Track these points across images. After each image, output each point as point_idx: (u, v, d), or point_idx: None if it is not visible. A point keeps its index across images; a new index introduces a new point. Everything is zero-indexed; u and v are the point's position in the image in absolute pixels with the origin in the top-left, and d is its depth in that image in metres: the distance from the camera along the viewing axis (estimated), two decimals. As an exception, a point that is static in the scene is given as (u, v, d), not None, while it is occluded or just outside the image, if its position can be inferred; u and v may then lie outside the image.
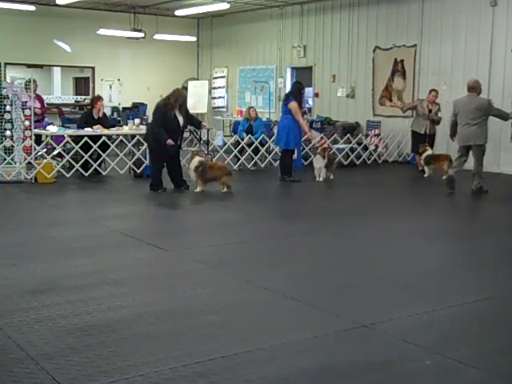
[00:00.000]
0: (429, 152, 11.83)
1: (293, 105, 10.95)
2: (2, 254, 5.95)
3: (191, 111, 10.59)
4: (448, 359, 3.70)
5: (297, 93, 11.33)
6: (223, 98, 19.57)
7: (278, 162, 11.92)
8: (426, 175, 11.78)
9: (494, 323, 4.41)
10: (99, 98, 12.14)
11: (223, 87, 19.52)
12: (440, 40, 13.60)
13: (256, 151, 12.81)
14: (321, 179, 11.17)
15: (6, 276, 5.26)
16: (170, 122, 9.75)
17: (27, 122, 10.62)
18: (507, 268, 5.92)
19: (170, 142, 9.63)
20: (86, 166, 11.29)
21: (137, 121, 12.46)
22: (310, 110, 16.41)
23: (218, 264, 5.77)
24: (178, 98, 9.91)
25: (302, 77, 16.45)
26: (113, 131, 12.11)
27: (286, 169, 11.26)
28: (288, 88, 16.91)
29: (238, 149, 12.78)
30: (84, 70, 19.61)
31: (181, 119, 9.91)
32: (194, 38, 19.43)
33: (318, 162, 11.21)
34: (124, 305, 4.57)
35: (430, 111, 12.31)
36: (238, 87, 18.99)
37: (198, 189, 9.81)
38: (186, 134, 11.50)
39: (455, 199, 9.99)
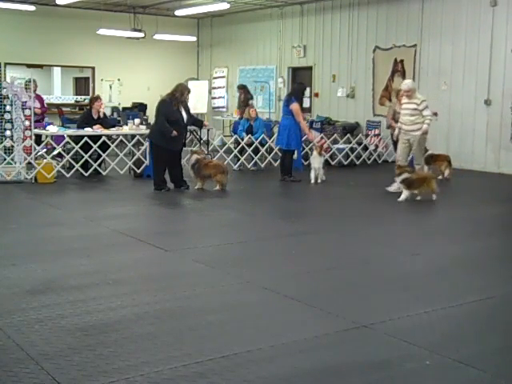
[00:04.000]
0: (428, 152, 11.78)
1: (295, 106, 10.90)
2: (2, 254, 5.95)
3: (191, 111, 10.59)
4: (448, 359, 3.70)
5: (299, 94, 11.30)
6: (223, 97, 19.57)
7: (278, 161, 11.92)
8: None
9: (494, 323, 4.42)
10: (97, 99, 12.12)
11: (223, 87, 19.52)
12: (440, 40, 13.60)
13: (256, 151, 12.81)
14: (319, 181, 11.00)
15: (6, 276, 5.26)
16: (175, 117, 9.77)
17: (27, 122, 10.63)
18: (507, 268, 5.92)
19: (174, 133, 9.63)
20: (85, 165, 11.29)
21: (137, 121, 12.46)
22: (309, 109, 16.42)
23: (218, 264, 5.77)
24: (183, 92, 9.91)
25: (302, 77, 16.46)
26: (113, 131, 12.10)
27: (286, 169, 11.26)
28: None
29: (238, 149, 12.78)
30: (84, 69, 19.61)
31: (184, 115, 9.94)
32: (194, 38, 19.43)
33: (316, 161, 10.98)
34: (124, 305, 4.57)
35: None
36: (238, 87, 18.97)
37: (197, 186, 10.01)
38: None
39: (454, 199, 9.99)
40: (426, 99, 10.09)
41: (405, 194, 9.21)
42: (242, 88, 16.24)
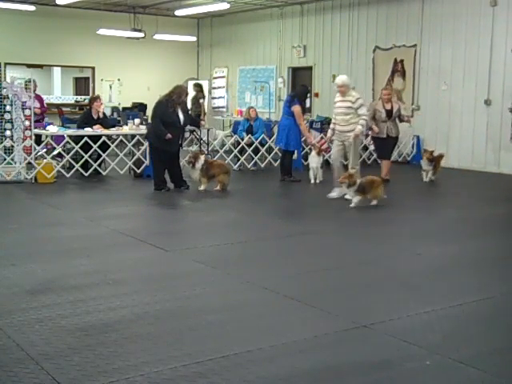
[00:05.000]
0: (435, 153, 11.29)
1: (296, 108, 10.84)
2: (2, 254, 5.95)
3: (191, 111, 10.60)
4: (448, 359, 3.70)
5: (302, 96, 11.25)
6: (223, 97, 19.57)
7: (278, 161, 11.92)
8: (426, 179, 11.24)
9: (494, 323, 4.42)
10: (96, 99, 12.12)
11: (223, 87, 19.52)
12: (440, 40, 13.60)
13: (256, 151, 12.81)
14: (317, 181, 11.00)
15: (6, 276, 5.25)
16: (172, 119, 9.74)
17: (27, 122, 10.63)
18: (507, 268, 5.92)
19: (168, 135, 9.62)
20: (85, 165, 11.29)
21: (137, 121, 12.46)
22: (309, 109, 16.42)
23: (218, 264, 5.77)
24: (180, 94, 9.90)
25: (302, 77, 16.46)
26: (113, 131, 12.10)
27: (286, 169, 11.25)
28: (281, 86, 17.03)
29: (238, 149, 12.79)
30: (84, 69, 19.62)
31: (181, 116, 9.91)
32: (194, 38, 19.43)
33: (314, 161, 10.93)
34: (124, 305, 4.57)
35: (390, 112, 10.86)
36: (238, 87, 19.00)
37: (202, 187, 9.90)
38: (186, 134, 11.50)
39: (454, 199, 9.99)
40: (361, 97, 9.39)
41: (357, 199, 8.62)
42: (198, 86, 16.35)
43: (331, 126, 9.64)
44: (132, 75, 18.87)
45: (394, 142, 11.23)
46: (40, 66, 18.66)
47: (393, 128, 10.97)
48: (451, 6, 13.32)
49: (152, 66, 19.05)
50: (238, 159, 12.70)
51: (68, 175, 11.02)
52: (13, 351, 3.71)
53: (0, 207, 8.75)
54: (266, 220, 8.04)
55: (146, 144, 11.11)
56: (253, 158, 12.80)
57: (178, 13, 17.27)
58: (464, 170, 12.89)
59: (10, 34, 17.01)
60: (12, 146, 10.51)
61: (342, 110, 9.23)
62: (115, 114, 17.68)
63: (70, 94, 20.99)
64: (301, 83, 15.29)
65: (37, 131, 11.33)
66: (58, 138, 11.36)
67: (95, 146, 11.15)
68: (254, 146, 12.73)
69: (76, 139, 11.15)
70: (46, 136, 11.50)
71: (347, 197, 9.00)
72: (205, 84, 18.17)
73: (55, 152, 11.45)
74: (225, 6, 15.72)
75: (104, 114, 12.44)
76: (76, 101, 19.82)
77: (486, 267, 5.88)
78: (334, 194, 9.33)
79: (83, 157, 11.19)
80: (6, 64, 17.34)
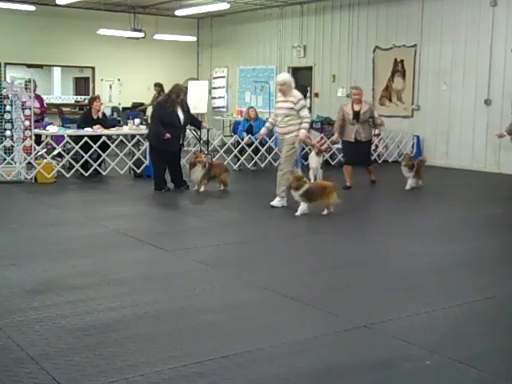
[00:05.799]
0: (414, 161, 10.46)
1: None
2: (2, 254, 5.95)
3: (191, 111, 10.59)
4: (448, 359, 3.70)
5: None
6: (223, 97, 19.58)
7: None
8: (407, 187, 10.38)
9: (494, 323, 4.41)
10: (95, 99, 12.12)
11: (223, 87, 19.53)
12: (440, 40, 13.60)
13: (256, 151, 12.82)
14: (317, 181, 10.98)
15: (6, 276, 5.26)
16: (171, 118, 9.75)
17: (27, 122, 10.63)
18: (507, 268, 5.92)
19: (167, 135, 9.62)
20: (86, 166, 11.30)
21: (137, 121, 12.47)
22: (309, 109, 16.42)
23: (218, 264, 5.77)
24: (179, 93, 9.91)
25: (302, 77, 16.45)
26: (113, 131, 12.11)
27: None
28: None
29: (238, 149, 12.79)
30: (84, 69, 19.63)
31: (182, 116, 9.91)
32: (194, 38, 19.44)
33: (314, 161, 10.89)
34: (124, 305, 4.57)
35: (358, 113, 10.32)
36: (238, 87, 19.00)
37: (202, 188, 9.92)
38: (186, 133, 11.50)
39: (454, 199, 9.99)
40: (303, 98, 8.65)
41: (304, 206, 7.99)
42: (158, 86, 16.25)
43: (267, 124, 9.03)
44: (132, 75, 18.86)
45: (364, 147, 10.52)
46: (40, 66, 18.66)
47: (362, 132, 10.30)
48: (451, 6, 13.33)
49: (152, 66, 19.04)
50: (238, 159, 12.71)
51: (68, 175, 11.02)
52: (13, 351, 3.72)
53: (0, 207, 8.75)
54: (266, 220, 8.04)
55: (146, 144, 11.12)
56: (253, 158, 12.81)
57: (178, 13, 17.26)
58: (464, 170, 12.89)
59: (10, 34, 17.01)
60: (12, 146, 10.51)
61: (283, 111, 8.47)
62: (115, 114, 17.69)
63: (70, 93, 20.99)
64: (301, 83, 15.30)
65: (37, 131, 11.34)
66: (57, 138, 11.37)
67: (95, 146, 11.15)
68: (253, 146, 12.73)
69: (76, 139, 11.15)
70: (46, 136, 11.50)
71: (272, 203, 8.55)
72: (205, 84, 18.19)
73: (55, 152, 11.46)
74: (225, 6, 15.71)
75: (104, 114, 12.44)
76: (76, 101, 19.83)
77: (486, 267, 5.88)
78: (279, 202, 8.60)
79: (83, 157, 11.19)
80: (6, 64, 17.34)
